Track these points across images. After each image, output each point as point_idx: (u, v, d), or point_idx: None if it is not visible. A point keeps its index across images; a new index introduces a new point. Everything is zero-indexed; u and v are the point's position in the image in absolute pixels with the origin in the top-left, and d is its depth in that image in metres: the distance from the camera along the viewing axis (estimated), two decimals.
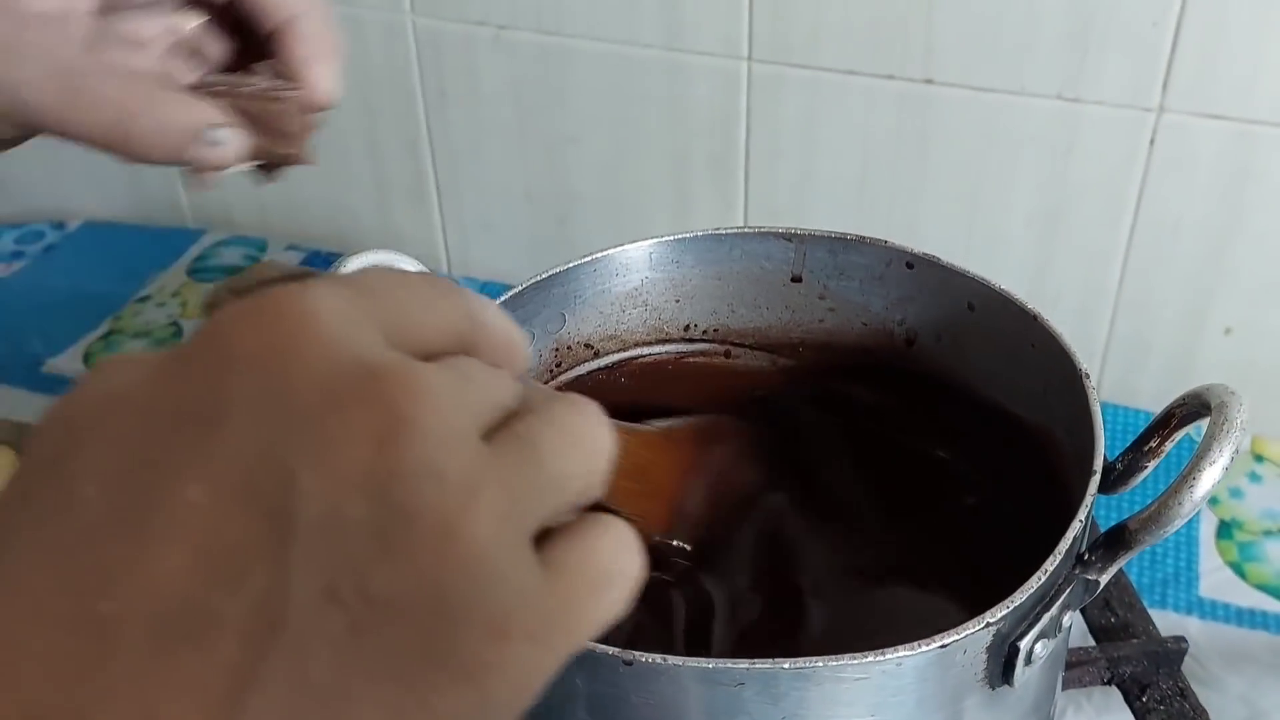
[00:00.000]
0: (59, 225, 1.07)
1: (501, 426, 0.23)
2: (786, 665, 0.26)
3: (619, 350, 0.42)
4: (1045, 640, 0.28)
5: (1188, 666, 0.64)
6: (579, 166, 0.90)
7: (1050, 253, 0.81)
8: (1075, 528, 0.28)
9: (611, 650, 0.27)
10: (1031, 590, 0.27)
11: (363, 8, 0.88)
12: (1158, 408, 0.80)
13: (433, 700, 0.21)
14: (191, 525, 0.20)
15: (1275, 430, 0.78)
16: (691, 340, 0.43)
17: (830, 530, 0.37)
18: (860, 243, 0.39)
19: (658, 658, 0.26)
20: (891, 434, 0.41)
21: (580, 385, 0.41)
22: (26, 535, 0.21)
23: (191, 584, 0.20)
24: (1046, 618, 0.28)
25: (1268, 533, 0.72)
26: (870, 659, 0.26)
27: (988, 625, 0.27)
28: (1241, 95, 0.71)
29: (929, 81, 0.77)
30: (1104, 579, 0.29)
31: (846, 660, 0.26)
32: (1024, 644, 0.28)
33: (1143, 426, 0.77)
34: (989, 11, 0.73)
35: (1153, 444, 0.30)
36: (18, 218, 1.08)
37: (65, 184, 1.09)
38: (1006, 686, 0.29)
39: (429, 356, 0.22)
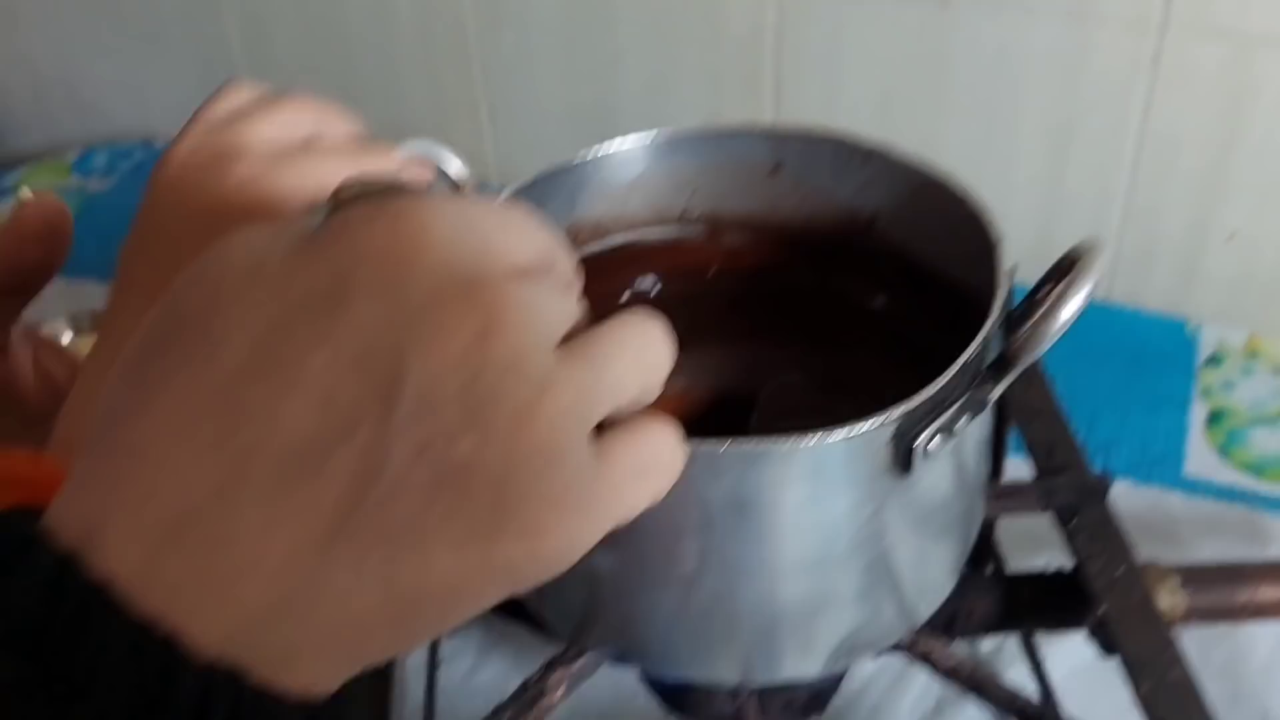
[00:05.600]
0: (147, 144, 1.11)
1: (570, 338, 0.26)
2: (723, 447, 0.32)
3: (625, 230, 0.47)
4: (941, 437, 0.34)
5: (1166, 536, 0.70)
6: (622, 83, 0.92)
7: (1062, 165, 0.83)
8: (968, 352, 0.34)
9: None
10: (926, 396, 0.33)
11: None
12: (1167, 308, 0.85)
13: (493, 552, 0.24)
14: (315, 384, 0.23)
15: (1273, 330, 0.81)
16: (688, 223, 0.48)
17: (796, 366, 0.43)
18: (826, 139, 0.45)
19: None
20: (855, 298, 0.47)
21: (592, 262, 0.47)
22: (177, 377, 0.23)
23: (311, 430, 0.23)
24: (940, 421, 0.34)
25: (1255, 421, 0.76)
26: (790, 443, 0.32)
27: (885, 422, 0.33)
28: (1239, 12, 0.73)
29: (944, 3, 0.79)
30: (992, 395, 0.35)
31: (772, 442, 0.32)
32: (919, 440, 0.33)
33: (1150, 329, 0.82)
34: None
35: (1041, 294, 0.35)
36: (109, 138, 1.13)
37: (149, 106, 1.13)
38: (909, 476, 0.35)
39: (515, 274, 0.25)
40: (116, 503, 0.23)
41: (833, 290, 0.47)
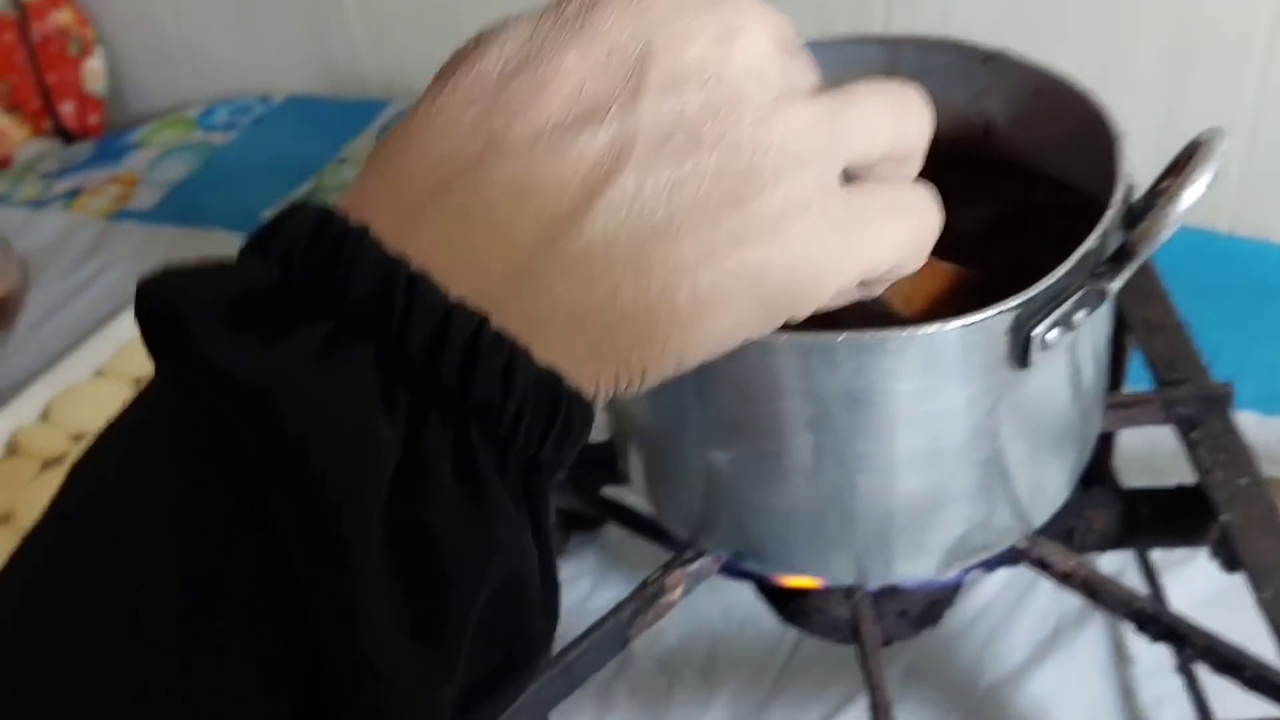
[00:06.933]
0: (265, 99, 1.15)
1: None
2: (840, 338, 0.33)
3: None
4: (1059, 329, 0.34)
5: None
6: None
7: (1183, 89, 0.80)
8: (1087, 242, 0.34)
9: None
10: (1044, 285, 0.33)
11: None
12: None
13: (735, 244, 0.24)
14: (567, 78, 0.25)
15: None
16: None
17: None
18: (942, 44, 0.44)
19: None
20: (972, 209, 0.46)
21: None
22: (446, 86, 0.25)
23: (563, 115, 0.24)
24: (1059, 312, 0.33)
25: None
26: (906, 333, 0.32)
27: (1003, 311, 0.33)
28: None
29: None
30: (1112, 287, 0.34)
31: (889, 333, 0.33)
32: (1037, 331, 0.33)
33: (1276, 259, 0.79)
34: None
35: (1164, 185, 0.34)
36: (230, 94, 1.16)
37: (268, 63, 1.15)
38: (1026, 369, 0.34)
39: None
40: (377, 180, 0.24)
41: (949, 200, 0.46)
